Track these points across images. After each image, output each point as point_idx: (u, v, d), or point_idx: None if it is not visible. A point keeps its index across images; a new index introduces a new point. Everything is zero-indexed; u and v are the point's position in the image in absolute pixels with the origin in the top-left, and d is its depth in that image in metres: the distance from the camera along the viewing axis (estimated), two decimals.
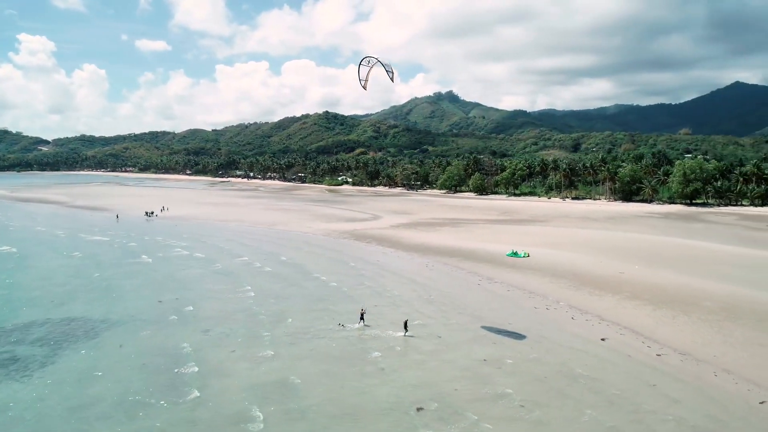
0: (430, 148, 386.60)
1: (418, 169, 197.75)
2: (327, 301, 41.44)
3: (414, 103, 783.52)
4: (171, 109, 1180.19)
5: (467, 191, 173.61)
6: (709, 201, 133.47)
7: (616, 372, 28.36)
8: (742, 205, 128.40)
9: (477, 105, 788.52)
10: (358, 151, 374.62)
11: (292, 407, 23.83)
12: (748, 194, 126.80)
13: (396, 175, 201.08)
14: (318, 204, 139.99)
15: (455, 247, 66.39)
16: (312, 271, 52.50)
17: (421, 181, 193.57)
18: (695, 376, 27.88)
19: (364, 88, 37.14)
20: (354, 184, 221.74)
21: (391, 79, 33.26)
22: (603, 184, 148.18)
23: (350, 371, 27.78)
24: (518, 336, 33.36)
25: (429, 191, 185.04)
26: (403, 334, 31.37)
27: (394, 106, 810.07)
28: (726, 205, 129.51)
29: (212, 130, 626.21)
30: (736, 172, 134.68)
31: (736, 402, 25.05)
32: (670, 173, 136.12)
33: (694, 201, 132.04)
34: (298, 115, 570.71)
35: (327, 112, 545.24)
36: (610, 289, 45.53)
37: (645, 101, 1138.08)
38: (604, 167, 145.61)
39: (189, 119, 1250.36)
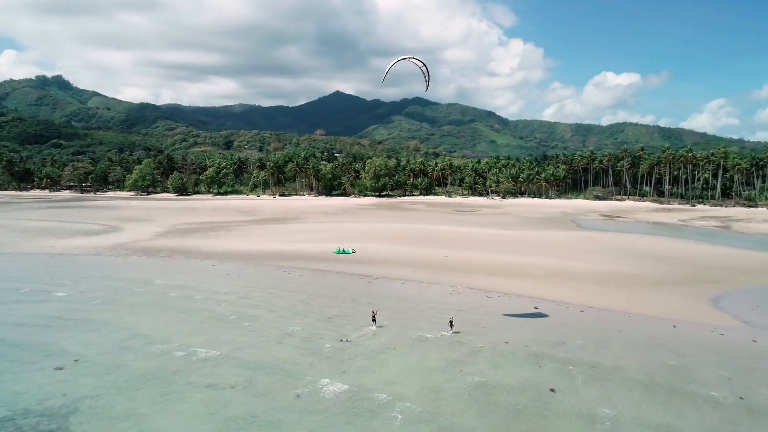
0: (64, 143, 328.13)
1: (93, 168, 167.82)
2: (304, 314, 35.93)
3: (11, 86, 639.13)
4: None
5: (162, 191, 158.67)
6: (390, 192, 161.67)
7: (583, 326, 34.51)
8: (413, 195, 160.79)
9: (96, 94, 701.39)
10: None
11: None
12: (418, 186, 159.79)
13: (62, 176, 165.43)
14: None
15: (274, 251, 63.45)
16: (211, 290, 43.05)
17: (99, 182, 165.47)
18: (637, 322, 35.95)
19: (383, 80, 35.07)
20: None
21: (426, 87, 31.72)
22: (302, 180, 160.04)
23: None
24: (521, 316, 36.59)
25: (113, 193, 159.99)
26: (449, 332, 31.75)
27: None
28: (402, 195, 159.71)
29: None
30: (407, 168, 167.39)
31: (696, 333, 33.77)
32: (360, 171, 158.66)
33: (381, 193, 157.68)
34: None
35: None
36: (466, 270, 51.86)
37: (266, 102, 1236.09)
38: (309, 165, 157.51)
39: None
